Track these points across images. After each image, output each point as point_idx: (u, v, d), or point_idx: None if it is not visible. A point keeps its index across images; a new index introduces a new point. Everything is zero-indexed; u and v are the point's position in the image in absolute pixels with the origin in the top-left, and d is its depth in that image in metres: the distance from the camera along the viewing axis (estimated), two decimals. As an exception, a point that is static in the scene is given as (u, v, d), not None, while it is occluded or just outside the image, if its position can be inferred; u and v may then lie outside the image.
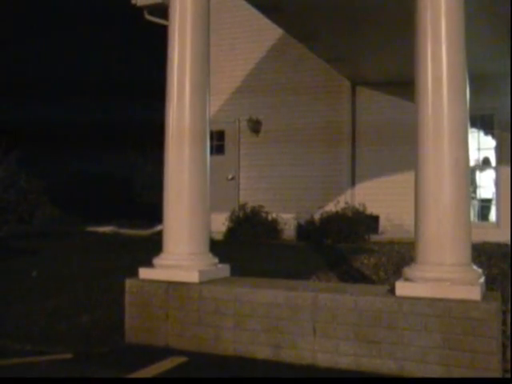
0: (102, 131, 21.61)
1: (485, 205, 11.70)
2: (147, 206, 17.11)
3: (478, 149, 11.54)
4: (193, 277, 4.73)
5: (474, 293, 3.84)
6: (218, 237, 10.11)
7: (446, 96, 4.09)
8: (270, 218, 11.18)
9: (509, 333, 4.32)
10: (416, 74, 4.24)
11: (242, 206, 11.40)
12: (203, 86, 5.06)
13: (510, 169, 10.46)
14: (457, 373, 3.74)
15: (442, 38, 4.13)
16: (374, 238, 10.75)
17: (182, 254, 4.86)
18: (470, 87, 4.24)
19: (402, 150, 10.77)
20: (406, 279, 4.12)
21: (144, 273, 4.95)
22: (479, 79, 7.09)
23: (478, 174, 11.65)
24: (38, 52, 27.62)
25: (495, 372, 3.68)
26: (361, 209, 11.03)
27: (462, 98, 4.13)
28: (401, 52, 7.66)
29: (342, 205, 11.13)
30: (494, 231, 10.43)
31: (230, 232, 11.06)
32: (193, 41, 5.02)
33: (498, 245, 9.04)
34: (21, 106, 23.64)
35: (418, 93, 4.23)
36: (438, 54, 4.13)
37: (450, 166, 4.06)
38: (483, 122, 11.31)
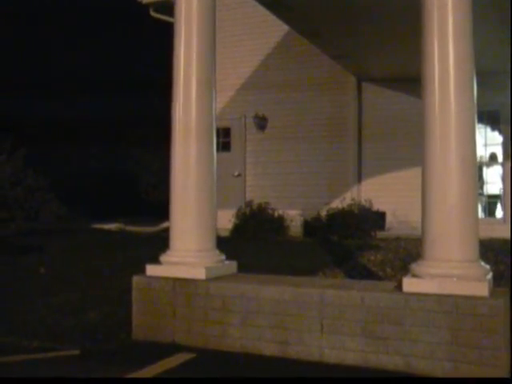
0: (108, 129, 21.64)
1: (492, 201, 11.67)
2: (153, 203, 17.16)
3: (485, 145, 11.51)
4: (200, 273, 4.73)
5: (482, 289, 3.83)
6: (225, 234, 10.12)
7: (453, 93, 4.08)
8: (276, 214, 11.17)
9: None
10: (423, 72, 4.23)
11: (249, 203, 11.40)
12: (209, 82, 5.06)
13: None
14: (464, 369, 3.73)
15: (448, 35, 4.11)
16: (381, 234, 10.73)
17: (189, 250, 4.86)
18: (477, 83, 4.21)
19: (409, 146, 10.75)
20: (413, 275, 4.11)
21: (151, 270, 4.96)
22: (486, 75, 7.06)
23: (484, 169, 11.61)
24: (42, 49, 27.66)
25: (502, 368, 3.67)
26: (367, 205, 11.01)
27: (470, 95, 4.11)
28: (407, 48, 7.63)
29: (348, 201, 11.11)
30: (500, 227, 10.39)
31: (237, 229, 11.06)
32: (199, 38, 5.01)
33: (505, 241, 9.01)
34: (27, 103, 23.70)
35: (424, 90, 4.21)
36: (445, 51, 4.11)
37: (458, 162, 4.05)
38: (490, 118, 11.27)
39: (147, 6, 13.01)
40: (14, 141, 11.66)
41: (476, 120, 4.19)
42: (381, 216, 11.26)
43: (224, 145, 12.94)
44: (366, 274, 6.60)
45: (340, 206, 10.92)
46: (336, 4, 7.62)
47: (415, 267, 4.13)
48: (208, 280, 4.70)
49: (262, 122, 12.66)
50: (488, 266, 4.10)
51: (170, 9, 6.93)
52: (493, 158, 11.64)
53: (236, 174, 12.94)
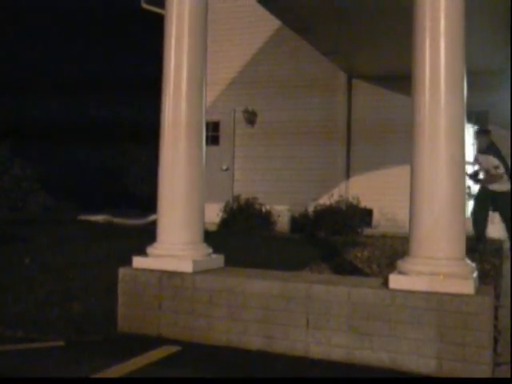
0: (97, 122, 21.55)
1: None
2: (141, 195, 17.13)
3: (473, 144, 11.56)
4: (186, 266, 4.72)
5: (468, 287, 3.86)
6: (212, 227, 10.11)
7: (443, 92, 4.08)
8: (263, 209, 11.19)
9: (500, 327, 4.36)
10: (413, 70, 4.23)
11: (236, 198, 11.41)
12: (200, 76, 5.03)
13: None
14: (448, 366, 3.75)
15: (440, 34, 4.12)
16: (368, 231, 10.78)
17: (176, 243, 4.85)
18: (467, 83, 4.23)
19: (398, 143, 10.80)
20: (400, 272, 4.12)
21: (137, 262, 4.94)
22: (476, 75, 7.11)
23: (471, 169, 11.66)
24: (31, 43, 27.45)
25: (486, 365, 3.69)
26: (354, 202, 11.05)
27: (460, 95, 4.13)
28: (398, 46, 7.66)
29: (336, 198, 11.15)
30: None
31: (224, 223, 11.07)
32: (190, 31, 4.98)
33: (491, 240, 9.10)
34: (17, 96, 23.54)
35: (415, 89, 4.22)
36: (437, 50, 4.11)
37: (446, 161, 4.06)
38: (479, 119, 11.34)
39: (139, -3, 12.96)
40: (2, 131, 11.59)
41: (465, 120, 4.22)
42: (368, 213, 11.32)
43: (213, 138, 12.93)
44: (352, 270, 6.62)
45: (328, 203, 10.96)
46: (327, 1, 7.63)
47: (402, 264, 4.15)
48: (195, 273, 4.69)
49: (251, 117, 12.67)
50: (474, 265, 4.13)
51: (161, 0, 6.90)
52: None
53: (224, 167, 12.93)
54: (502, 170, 8.61)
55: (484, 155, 8.82)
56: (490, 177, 8.67)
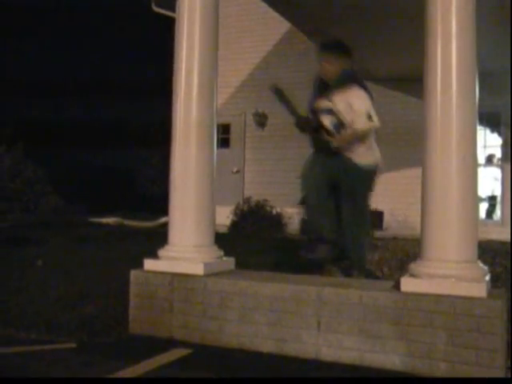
0: (108, 124, 21.65)
1: (490, 203, 11.69)
2: (152, 197, 17.19)
3: (484, 146, 11.52)
4: (198, 269, 4.73)
5: (480, 290, 3.84)
6: (222, 230, 10.12)
7: (455, 93, 4.07)
8: (274, 212, 11.18)
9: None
10: (425, 71, 4.22)
11: (247, 200, 11.41)
12: (211, 79, 5.05)
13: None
14: (460, 370, 3.73)
15: (452, 35, 4.11)
16: (378, 233, 10.73)
17: (188, 246, 4.86)
18: (478, 84, 4.21)
19: (409, 145, 10.76)
20: (412, 275, 4.11)
21: (149, 264, 4.96)
22: (486, 76, 7.07)
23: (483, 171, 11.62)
24: (41, 45, 27.61)
25: (500, 370, 3.67)
26: (365, 204, 11.00)
27: (472, 96, 4.11)
28: (410, 47, 7.63)
29: (346, 200, 11.09)
30: (498, 229, 10.41)
31: (234, 225, 11.08)
32: (201, 34, 4.99)
33: (502, 243, 9.04)
34: (30, 99, 23.70)
35: (426, 90, 4.20)
36: (448, 51, 4.10)
37: (458, 163, 4.05)
38: (490, 120, 11.29)
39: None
40: (15, 134, 11.67)
41: (477, 122, 4.20)
42: (378, 215, 11.27)
43: (223, 141, 12.94)
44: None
45: (338, 205, 10.90)
46: (340, 3, 7.62)
47: (413, 267, 4.14)
48: (206, 276, 4.70)
49: (262, 119, 12.65)
50: (486, 267, 4.11)
51: (172, 3, 6.91)
52: (491, 159, 11.65)
53: (235, 170, 12.94)
54: (376, 121, 5.31)
55: (343, 92, 5.27)
56: (353, 134, 5.28)
